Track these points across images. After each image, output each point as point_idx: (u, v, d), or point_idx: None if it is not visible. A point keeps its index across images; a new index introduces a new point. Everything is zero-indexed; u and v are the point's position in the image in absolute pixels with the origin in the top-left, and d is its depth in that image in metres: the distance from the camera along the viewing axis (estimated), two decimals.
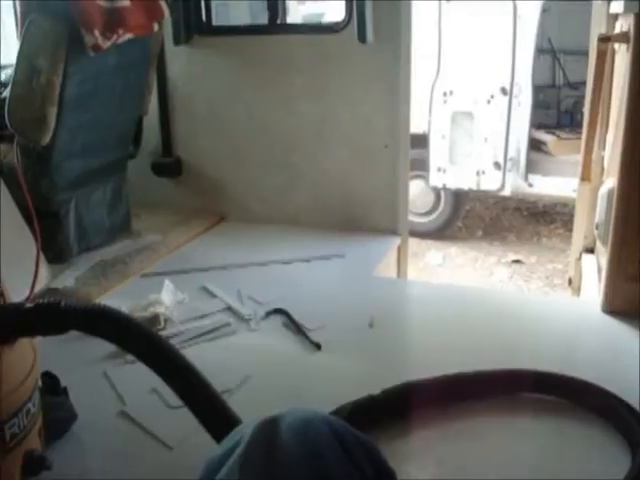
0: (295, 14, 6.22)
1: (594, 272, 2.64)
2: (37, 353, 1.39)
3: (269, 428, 1.03)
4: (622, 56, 2.28)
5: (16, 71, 2.34)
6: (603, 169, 2.63)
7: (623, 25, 2.30)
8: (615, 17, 2.58)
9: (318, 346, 2.02)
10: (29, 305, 1.31)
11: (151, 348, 1.37)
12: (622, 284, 2.13)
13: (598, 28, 2.80)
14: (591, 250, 2.93)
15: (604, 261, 2.21)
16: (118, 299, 2.28)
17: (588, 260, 2.88)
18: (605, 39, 2.43)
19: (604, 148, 2.64)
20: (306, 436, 1.03)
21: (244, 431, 1.04)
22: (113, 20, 2.42)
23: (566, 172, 5.30)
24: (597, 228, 2.32)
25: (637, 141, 2.00)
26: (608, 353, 2.03)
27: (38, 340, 1.41)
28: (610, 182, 2.21)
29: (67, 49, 2.32)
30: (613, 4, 2.50)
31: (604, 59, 2.45)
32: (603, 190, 2.26)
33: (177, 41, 3.13)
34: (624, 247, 2.09)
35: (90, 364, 1.93)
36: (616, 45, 2.42)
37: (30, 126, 2.37)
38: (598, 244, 2.57)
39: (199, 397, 1.36)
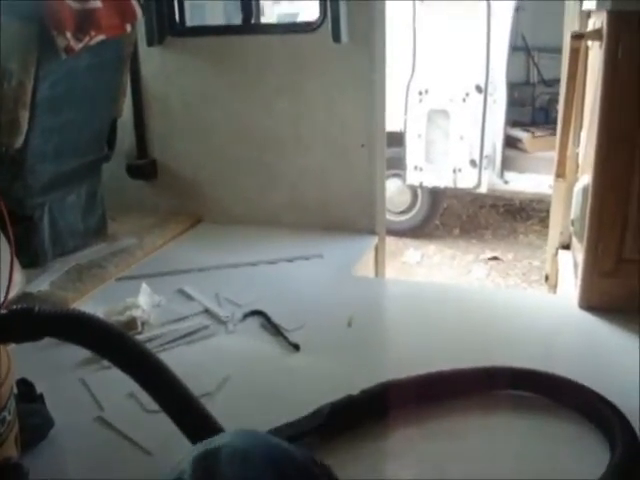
0: (270, 14, 6.23)
1: (570, 268, 2.66)
2: (12, 360, 1.37)
3: (207, 462, 1.01)
4: (595, 53, 2.29)
5: None
6: (578, 166, 2.65)
7: (596, 22, 2.31)
8: (588, 14, 2.59)
9: (296, 347, 2.02)
10: (2, 312, 1.29)
11: (127, 353, 1.35)
12: (598, 280, 2.15)
13: (571, 25, 2.81)
14: (567, 246, 2.95)
15: (580, 257, 2.22)
16: (94, 303, 2.27)
17: (564, 256, 2.90)
18: (578, 36, 2.45)
19: (578, 145, 2.65)
20: (245, 471, 1.01)
21: (183, 465, 1.02)
22: (85, 21, 2.39)
23: (541, 169, 5.36)
24: (572, 224, 2.34)
25: (610, 137, 2.01)
26: (585, 349, 2.05)
27: (13, 347, 1.40)
28: (585, 178, 2.23)
29: (38, 51, 2.29)
30: (585, 2, 2.51)
31: (577, 56, 2.46)
32: (578, 186, 2.28)
33: (150, 42, 3.10)
34: (599, 243, 2.11)
35: (66, 370, 1.90)
36: (589, 42, 2.44)
37: (2, 129, 2.34)
38: (574, 240, 2.59)
39: (176, 401, 1.35)
